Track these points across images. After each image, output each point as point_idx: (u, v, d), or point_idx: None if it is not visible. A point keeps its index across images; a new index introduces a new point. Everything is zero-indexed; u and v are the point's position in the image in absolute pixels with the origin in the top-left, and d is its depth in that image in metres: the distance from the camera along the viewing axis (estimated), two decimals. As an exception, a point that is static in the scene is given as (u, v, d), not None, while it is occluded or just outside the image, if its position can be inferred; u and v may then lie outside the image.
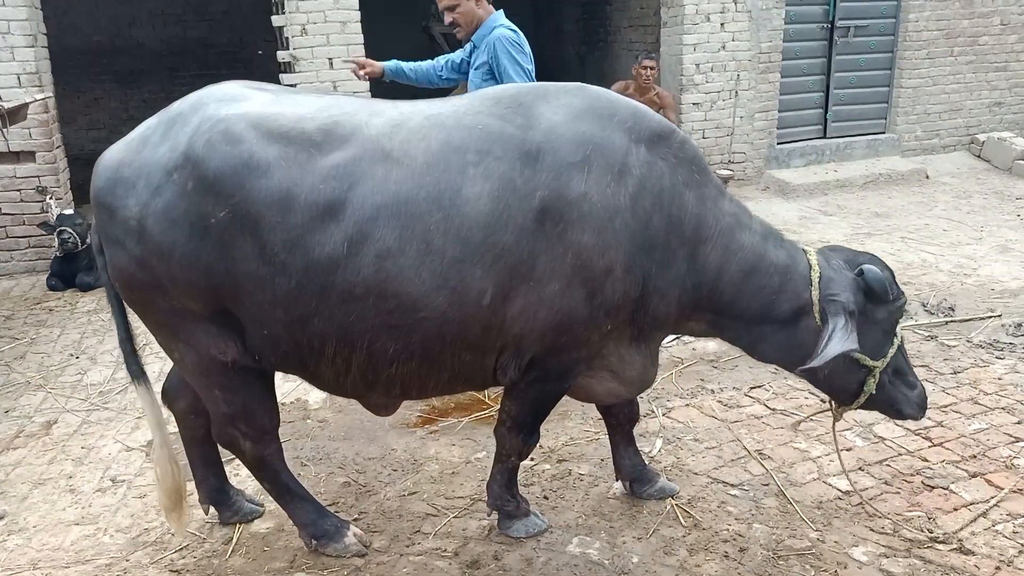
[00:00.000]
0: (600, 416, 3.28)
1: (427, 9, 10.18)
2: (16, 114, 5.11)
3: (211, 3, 12.01)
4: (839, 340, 2.41)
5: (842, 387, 2.70)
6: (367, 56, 7.28)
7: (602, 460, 3.44)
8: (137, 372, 2.69)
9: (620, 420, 3.09)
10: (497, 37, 4.08)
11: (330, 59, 7.15)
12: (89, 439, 3.88)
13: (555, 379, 2.62)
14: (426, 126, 2.38)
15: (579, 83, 2.62)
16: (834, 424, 2.97)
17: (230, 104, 2.39)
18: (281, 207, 2.25)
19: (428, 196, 2.28)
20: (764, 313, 2.60)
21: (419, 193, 2.28)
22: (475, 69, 4.23)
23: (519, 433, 2.75)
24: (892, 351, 2.64)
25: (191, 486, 3.18)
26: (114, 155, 2.44)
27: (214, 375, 2.52)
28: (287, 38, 7.13)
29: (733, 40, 8.56)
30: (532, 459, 3.33)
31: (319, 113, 2.39)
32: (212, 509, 3.09)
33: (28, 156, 6.54)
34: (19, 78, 6.34)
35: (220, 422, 2.67)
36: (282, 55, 7.28)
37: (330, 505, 3.14)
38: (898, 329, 2.67)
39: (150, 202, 2.31)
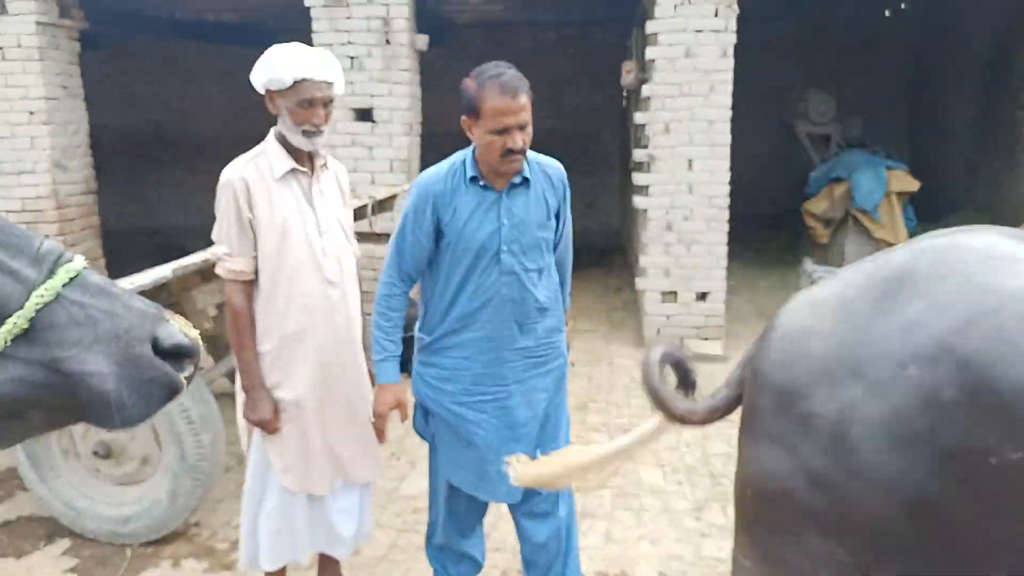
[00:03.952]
0: None
1: (795, 107, 9.23)
2: (383, 203, 5.15)
3: (565, 97, 12.24)
4: None
5: None
6: (731, 155, 6.57)
7: None
8: None
9: None
10: (557, 165, 2.78)
11: (689, 160, 6.50)
12: None
13: None
14: None
15: None
16: None
17: (1008, 272, 1.52)
18: None
19: None
20: None
21: None
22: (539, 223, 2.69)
23: None
24: None
25: None
26: (798, 320, 1.74)
27: None
28: (647, 135, 6.66)
29: None
30: None
31: None
32: None
33: (387, 237, 6.76)
34: (392, 163, 6.60)
35: None
36: (639, 154, 6.82)
37: None
38: None
39: (861, 403, 1.57)
